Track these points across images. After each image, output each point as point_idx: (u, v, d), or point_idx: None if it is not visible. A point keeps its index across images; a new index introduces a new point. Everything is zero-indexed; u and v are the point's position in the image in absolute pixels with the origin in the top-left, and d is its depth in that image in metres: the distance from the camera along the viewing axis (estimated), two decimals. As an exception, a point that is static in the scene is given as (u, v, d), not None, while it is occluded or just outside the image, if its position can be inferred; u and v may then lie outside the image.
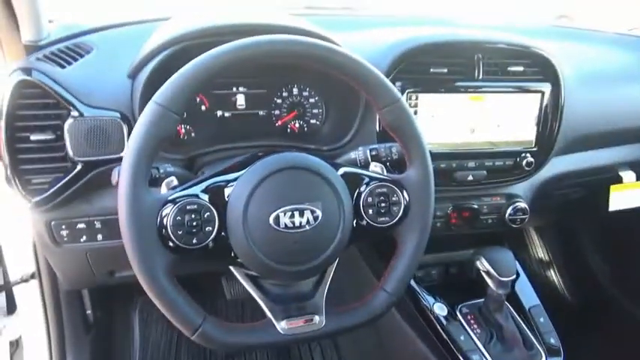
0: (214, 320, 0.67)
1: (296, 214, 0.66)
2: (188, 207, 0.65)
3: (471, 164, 1.05)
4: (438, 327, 1.08)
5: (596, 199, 1.29)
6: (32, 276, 1.08)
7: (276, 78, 1.01)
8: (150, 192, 0.64)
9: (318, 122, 1.06)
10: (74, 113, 0.81)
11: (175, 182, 0.68)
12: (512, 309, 1.12)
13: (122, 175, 0.62)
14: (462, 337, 1.05)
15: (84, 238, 0.90)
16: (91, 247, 0.91)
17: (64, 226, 0.88)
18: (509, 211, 1.11)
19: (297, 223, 0.66)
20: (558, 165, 1.15)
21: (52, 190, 0.83)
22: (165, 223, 0.63)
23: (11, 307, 1.29)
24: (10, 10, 0.83)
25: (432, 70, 0.99)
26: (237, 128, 1.01)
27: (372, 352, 1.40)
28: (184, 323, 0.66)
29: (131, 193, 0.61)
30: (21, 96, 0.80)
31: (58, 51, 0.89)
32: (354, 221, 0.74)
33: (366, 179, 0.75)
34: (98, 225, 0.89)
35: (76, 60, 0.88)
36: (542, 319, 1.12)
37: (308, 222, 0.67)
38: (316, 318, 0.73)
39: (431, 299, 1.12)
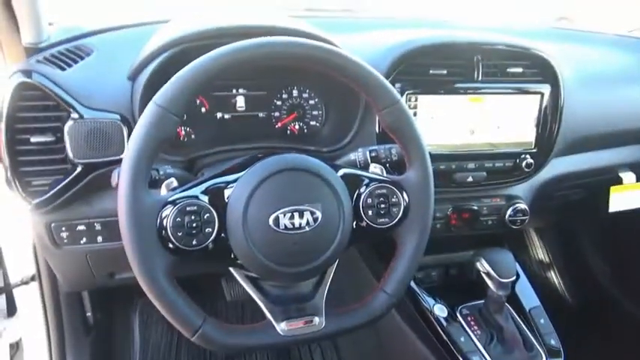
0: (214, 321, 0.67)
1: (296, 215, 0.66)
2: (188, 208, 0.65)
3: (471, 165, 1.05)
4: (438, 328, 1.07)
5: (596, 201, 1.29)
6: (32, 278, 1.08)
7: (276, 80, 1.01)
8: (150, 193, 0.64)
9: (317, 124, 1.06)
10: (74, 115, 0.81)
11: (175, 184, 0.69)
12: (512, 310, 1.12)
13: (122, 177, 0.62)
14: (462, 339, 1.05)
15: (84, 239, 0.90)
16: (91, 248, 0.91)
17: (64, 228, 0.88)
18: (509, 212, 1.11)
19: (296, 225, 0.66)
20: (558, 166, 1.15)
21: (52, 192, 0.83)
22: (165, 224, 0.63)
23: (11, 310, 1.28)
24: (10, 12, 0.83)
25: (431, 71, 0.99)
26: (237, 130, 1.01)
27: (372, 353, 1.39)
28: (184, 325, 0.66)
29: (131, 195, 0.61)
30: (21, 98, 0.80)
31: (58, 53, 0.89)
32: (354, 222, 0.74)
33: (366, 180, 0.75)
34: (98, 227, 0.89)
35: (76, 62, 0.88)
36: (542, 321, 1.12)
37: (308, 223, 0.67)
38: (316, 319, 0.73)
39: (431, 300, 1.12)
